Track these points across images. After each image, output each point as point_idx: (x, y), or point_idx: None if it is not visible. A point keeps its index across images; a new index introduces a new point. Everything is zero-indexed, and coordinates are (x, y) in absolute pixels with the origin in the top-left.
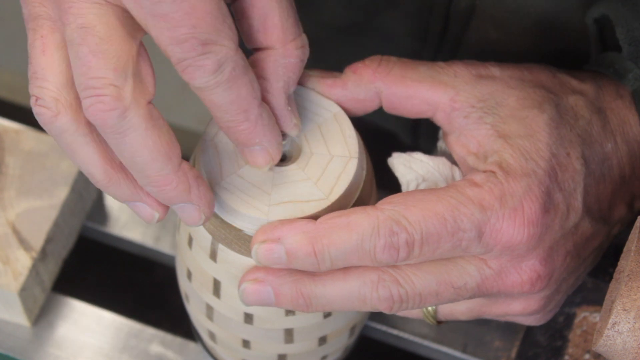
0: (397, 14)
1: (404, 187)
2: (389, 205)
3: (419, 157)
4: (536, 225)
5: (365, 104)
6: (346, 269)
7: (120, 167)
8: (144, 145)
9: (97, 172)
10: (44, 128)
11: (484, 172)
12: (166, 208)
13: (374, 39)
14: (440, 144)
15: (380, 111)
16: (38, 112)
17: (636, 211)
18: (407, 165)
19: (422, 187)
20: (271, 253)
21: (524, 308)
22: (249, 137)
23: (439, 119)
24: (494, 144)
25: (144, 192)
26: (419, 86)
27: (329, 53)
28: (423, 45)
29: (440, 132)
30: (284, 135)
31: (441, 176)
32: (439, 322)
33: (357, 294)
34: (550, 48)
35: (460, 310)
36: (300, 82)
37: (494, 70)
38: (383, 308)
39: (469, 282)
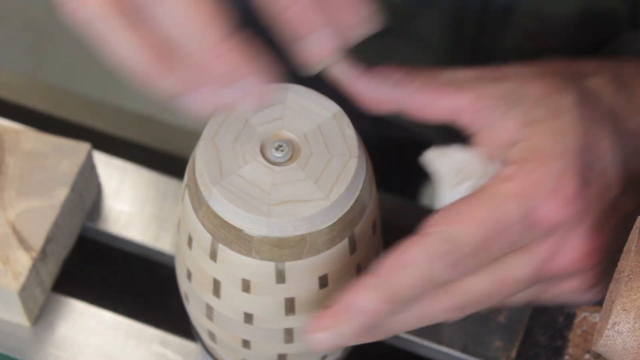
0: (431, 16)
1: (443, 182)
2: (433, 229)
3: (455, 149)
4: (576, 201)
5: (382, 106)
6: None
7: (164, 54)
8: (184, 10)
9: (139, 59)
10: (74, 22)
11: (515, 162)
12: (219, 97)
13: (408, 43)
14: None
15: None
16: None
17: None
18: (446, 157)
19: (460, 177)
20: (349, 322)
21: (579, 285)
22: (303, 21)
23: (464, 120)
24: (522, 132)
25: (194, 78)
26: (440, 92)
27: (363, 57)
28: (459, 48)
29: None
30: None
31: (480, 163)
32: (500, 308)
33: (420, 315)
34: (591, 39)
35: (516, 297)
36: (330, 68)
37: (509, 70)
38: (445, 320)
39: (523, 275)
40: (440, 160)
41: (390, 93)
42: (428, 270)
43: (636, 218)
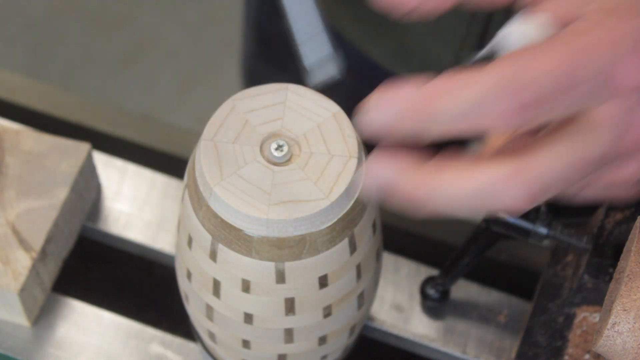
0: None
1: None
2: (505, 61)
3: (527, 19)
4: None
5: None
6: (471, 161)
7: None
8: None
9: None
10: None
11: (589, 19)
12: None
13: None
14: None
15: None
16: None
17: None
18: (538, 29)
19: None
20: (378, 111)
21: (637, 170)
22: None
23: None
24: None
25: None
26: None
27: (381, 17)
28: (468, 30)
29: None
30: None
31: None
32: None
33: (488, 189)
34: None
35: (570, 187)
36: None
37: None
38: (519, 205)
39: (604, 149)
40: (528, 26)
41: None
42: (490, 97)
43: None
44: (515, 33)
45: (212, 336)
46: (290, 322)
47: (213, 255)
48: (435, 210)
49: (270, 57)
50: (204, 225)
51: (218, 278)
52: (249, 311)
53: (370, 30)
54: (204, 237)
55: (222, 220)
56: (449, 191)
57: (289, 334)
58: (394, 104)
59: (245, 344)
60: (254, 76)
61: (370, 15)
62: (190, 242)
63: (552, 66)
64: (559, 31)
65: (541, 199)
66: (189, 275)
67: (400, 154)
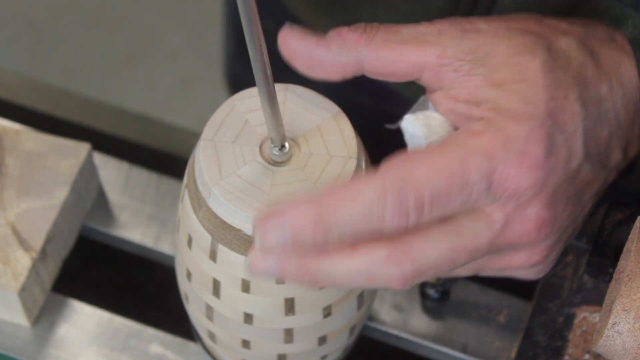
0: None
1: (418, 146)
2: (391, 170)
3: (433, 114)
4: (541, 168)
5: (346, 69)
6: (354, 245)
7: None
8: None
9: None
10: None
11: (481, 119)
12: None
13: (407, 0)
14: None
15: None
16: None
17: (630, 158)
18: (427, 126)
19: (432, 139)
20: (275, 231)
21: (527, 259)
22: None
23: (427, 78)
24: (488, 93)
25: None
26: (403, 48)
27: (360, 14)
28: (456, 5)
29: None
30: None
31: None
32: (439, 280)
33: (366, 271)
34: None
35: (463, 268)
36: (285, 39)
37: (479, 23)
38: (395, 286)
39: (482, 242)
40: (426, 126)
41: (351, 53)
42: (374, 207)
43: (594, 191)
44: (415, 124)
45: (212, 336)
46: (290, 322)
47: (213, 255)
48: (325, 286)
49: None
50: (203, 226)
51: (218, 278)
52: (249, 311)
53: None
54: (203, 237)
55: (222, 221)
56: (332, 275)
57: (288, 334)
58: (290, 223)
59: (245, 344)
60: (236, 77)
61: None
62: (190, 242)
63: (443, 167)
64: (455, 133)
65: (421, 279)
66: (188, 275)
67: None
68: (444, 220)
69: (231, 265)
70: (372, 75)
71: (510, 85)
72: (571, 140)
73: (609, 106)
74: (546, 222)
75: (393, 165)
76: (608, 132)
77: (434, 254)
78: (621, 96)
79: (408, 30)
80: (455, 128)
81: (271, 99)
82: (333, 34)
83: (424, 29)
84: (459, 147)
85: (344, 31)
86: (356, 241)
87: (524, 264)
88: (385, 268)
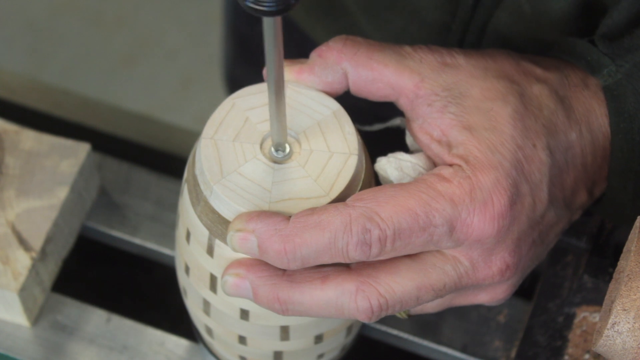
0: None
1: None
2: (360, 202)
3: (405, 157)
4: (505, 217)
5: (335, 86)
6: (324, 276)
7: None
8: None
9: None
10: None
11: (451, 165)
12: None
13: (403, 17)
14: (408, 139)
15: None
16: None
17: (595, 197)
18: (399, 170)
19: (406, 180)
20: (244, 242)
21: (491, 297)
22: None
23: (402, 104)
24: (458, 135)
25: None
26: (384, 70)
27: (355, 29)
28: (452, 19)
29: (399, 120)
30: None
31: (426, 172)
32: (410, 316)
33: (335, 303)
34: (584, 23)
35: (432, 305)
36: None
37: (459, 58)
38: (362, 318)
39: (447, 282)
40: (398, 170)
41: (335, 70)
42: (339, 239)
43: (558, 231)
44: (387, 167)
45: (209, 331)
46: (286, 319)
47: (210, 250)
48: (295, 314)
49: (249, 61)
50: (201, 220)
51: (215, 273)
52: (245, 307)
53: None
54: (201, 232)
55: (219, 216)
56: (302, 304)
57: (284, 332)
58: (259, 243)
59: (242, 340)
60: (234, 79)
61: (343, 29)
62: (188, 236)
63: (408, 207)
64: (426, 174)
65: (388, 313)
66: (187, 269)
67: (257, 268)
68: (413, 256)
69: (228, 260)
70: (352, 91)
71: (480, 132)
72: (537, 189)
73: (577, 152)
74: (510, 267)
75: (361, 199)
76: (574, 177)
77: (401, 290)
78: (589, 142)
79: (391, 52)
80: (427, 169)
81: (279, 107)
82: (314, 55)
83: (407, 54)
84: (427, 190)
85: (323, 50)
86: (326, 275)
87: (487, 301)
88: (353, 301)
